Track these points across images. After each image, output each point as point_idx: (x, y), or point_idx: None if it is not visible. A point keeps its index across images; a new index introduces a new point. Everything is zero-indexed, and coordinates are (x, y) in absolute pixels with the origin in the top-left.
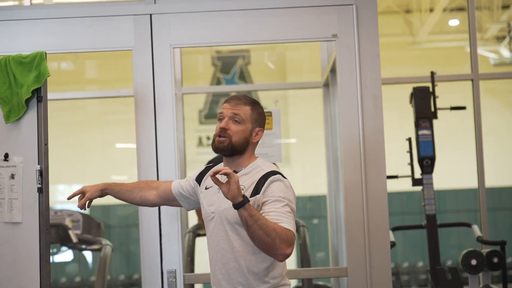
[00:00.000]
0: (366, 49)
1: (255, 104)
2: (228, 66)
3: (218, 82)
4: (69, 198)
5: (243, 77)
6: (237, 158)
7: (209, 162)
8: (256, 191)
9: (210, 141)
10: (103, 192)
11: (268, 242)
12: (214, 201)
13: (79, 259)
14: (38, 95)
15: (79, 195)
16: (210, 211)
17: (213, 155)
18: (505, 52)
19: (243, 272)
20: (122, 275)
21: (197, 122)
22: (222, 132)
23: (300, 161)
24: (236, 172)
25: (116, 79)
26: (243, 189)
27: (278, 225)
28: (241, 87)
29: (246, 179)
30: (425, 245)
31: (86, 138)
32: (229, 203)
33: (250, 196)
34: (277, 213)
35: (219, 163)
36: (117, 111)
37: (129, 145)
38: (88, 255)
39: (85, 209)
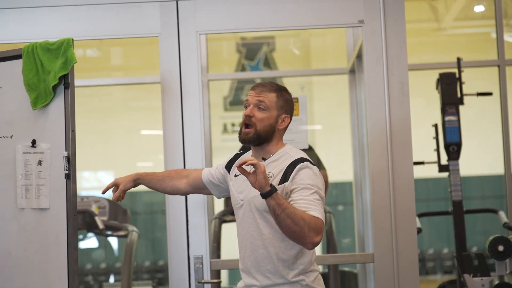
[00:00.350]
0: (393, 35)
1: (281, 91)
2: (253, 52)
3: (243, 69)
4: (103, 193)
5: (268, 63)
6: (264, 146)
7: (241, 149)
8: (285, 178)
9: (235, 128)
10: (136, 183)
11: (296, 231)
12: (243, 188)
13: (105, 245)
14: (65, 82)
15: (113, 188)
16: (239, 198)
17: (234, 143)
18: None
19: (272, 259)
20: (148, 261)
21: (222, 108)
22: (247, 119)
23: (325, 147)
24: (264, 159)
25: (141, 66)
26: (271, 176)
27: (307, 213)
28: (267, 73)
29: (275, 166)
30: (451, 232)
31: (111, 124)
32: (257, 191)
33: (279, 184)
34: (306, 201)
35: (249, 150)
36: (142, 98)
37: (154, 132)
38: (113, 241)
39: (120, 201)
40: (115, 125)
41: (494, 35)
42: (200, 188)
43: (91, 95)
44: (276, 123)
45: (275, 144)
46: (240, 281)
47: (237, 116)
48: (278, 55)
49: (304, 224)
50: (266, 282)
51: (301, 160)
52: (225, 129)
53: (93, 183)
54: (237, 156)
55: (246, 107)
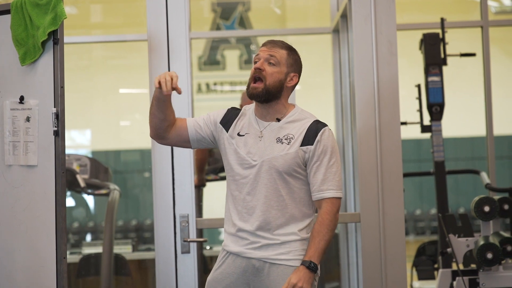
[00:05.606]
0: None
1: (291, 50)
2: (228, 12)
3: (217, 28)
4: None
5: (243, 23)
6: (273, 104)
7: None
8: (308, 141)
9: (213, 87)
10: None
11: (332, 235)
12: (257, 149)
13: (82, 204)
14: (55, 38)
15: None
16: (251, 159)
17: (208, 103)
18: (506, 0)
19: (285, 218)
20: (121, 221)
21: (196, 68)
22: (257, 72)
23: (304, 108)
24: (278, 120)
25: (120, 24)
26: (292, 138)
27: (326, 212)
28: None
29: (294, 127)
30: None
31: (89, 83)
32: (277, 152)
33: (301, 145)
34: (325, 178)
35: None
36: (121, 56)
37: (132, 90)
38: (90, 200)
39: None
40: (93, 84)
41: None
42: (181, 138)
43: (69, 53)
44: (285, 80)
45: (284, 103)
46: (230, 243)
47: (212, 76)
48: (253, 15)
49: (333, 228)
50: (278, 239)
51: (321, 123)
52: (199, 89)
53: (70, 141)
54: (233, 110)
55: (255, 62)
